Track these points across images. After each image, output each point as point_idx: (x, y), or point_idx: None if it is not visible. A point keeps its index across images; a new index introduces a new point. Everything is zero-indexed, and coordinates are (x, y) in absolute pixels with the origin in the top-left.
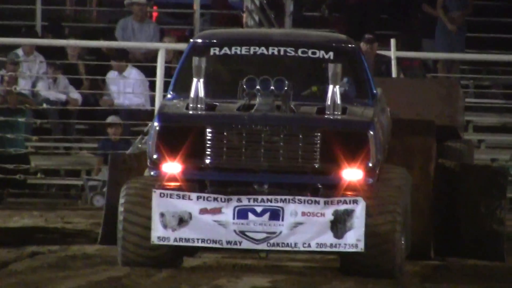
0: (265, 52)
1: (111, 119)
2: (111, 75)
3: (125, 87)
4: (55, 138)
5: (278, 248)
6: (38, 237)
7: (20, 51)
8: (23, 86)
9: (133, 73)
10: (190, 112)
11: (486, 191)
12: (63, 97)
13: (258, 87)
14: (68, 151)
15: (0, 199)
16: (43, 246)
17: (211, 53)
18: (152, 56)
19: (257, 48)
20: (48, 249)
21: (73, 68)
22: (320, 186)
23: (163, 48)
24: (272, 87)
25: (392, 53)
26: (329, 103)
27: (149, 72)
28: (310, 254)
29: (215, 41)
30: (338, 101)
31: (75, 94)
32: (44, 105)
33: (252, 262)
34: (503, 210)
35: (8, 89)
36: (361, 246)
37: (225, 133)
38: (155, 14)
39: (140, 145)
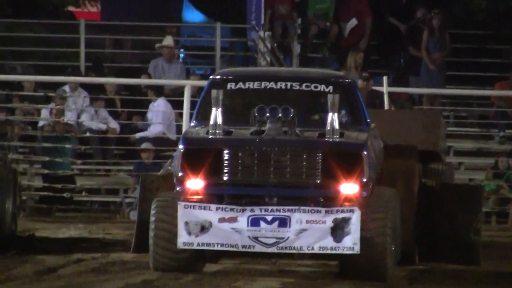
0: (274, 86)
1: (144, 145)
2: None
3: (153, 116)
4: (96, 162)
5: (286, 251)
6: (83, 246)
7: (66, 87)
8: (69, 117)
9: (160, 104)
10: (210, 136)
11: (465, 205)
12: (103, 126)
13: (267, 114)
14: (108, 172)
15: (49, 213)
16: (87, 253)
17: (228, 87)
18: (179, 91)
19: (267, 83)
20: (91, 256)
21: (111, 102)
22: (321, 199)
23: (189, 84)
24: (279, 115)
25: (385, 88)
26: (328, 128)
27: (177, 105)
28: (314, 261)
29: (231, 77)
30: (336, 127)
31: (114, 124)
32: (87, 133)
33: (265, 268)
34: (479, 221)
35: (56, 120)
36: (357, 249)
37: (240, 154)
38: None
39: (170, 167)
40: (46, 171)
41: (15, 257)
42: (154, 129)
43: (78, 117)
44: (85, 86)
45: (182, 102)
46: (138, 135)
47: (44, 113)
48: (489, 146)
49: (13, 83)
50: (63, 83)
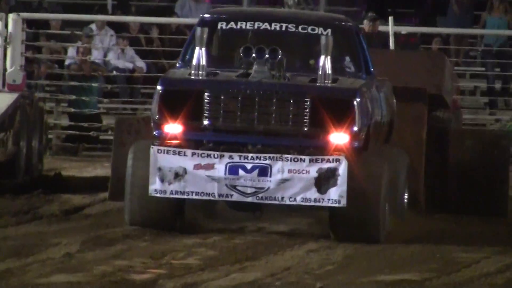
0: (268, 27)
1: None
2: None
3: None
4: (123, 101)
5: (266, 202)
6: (108, 185)
7: (93, 26)
8: (96, 56)
9: None
10: (192, 77)
11: (491, 153)
12: (130, 65)
13: (254, 55)
14: (134, 111)
15: (76, 152)
16: None
17: (219, 27)
18: None
19: (261, 23)
20: None
21: (138, 40)
22: (309, 149)
23: None
24: (266, 56)
25: (390, 29)
26: (320, 72)
27: None
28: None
29: (223, 16)
30: (329, 71)
31: (140, 63)
32: (114, 72)
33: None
34: (507, 170)
35: (83, 59)
36: (343, 202)
37: (222, 97)
38: None
39: None
40: (72, 110)
41: (41, 196)
42: None
43: (105, 56)
44: (112, 25)
45: None
46: None
47: (71, 51)
48: None
49: (40, 21)
50: (90, 22)
